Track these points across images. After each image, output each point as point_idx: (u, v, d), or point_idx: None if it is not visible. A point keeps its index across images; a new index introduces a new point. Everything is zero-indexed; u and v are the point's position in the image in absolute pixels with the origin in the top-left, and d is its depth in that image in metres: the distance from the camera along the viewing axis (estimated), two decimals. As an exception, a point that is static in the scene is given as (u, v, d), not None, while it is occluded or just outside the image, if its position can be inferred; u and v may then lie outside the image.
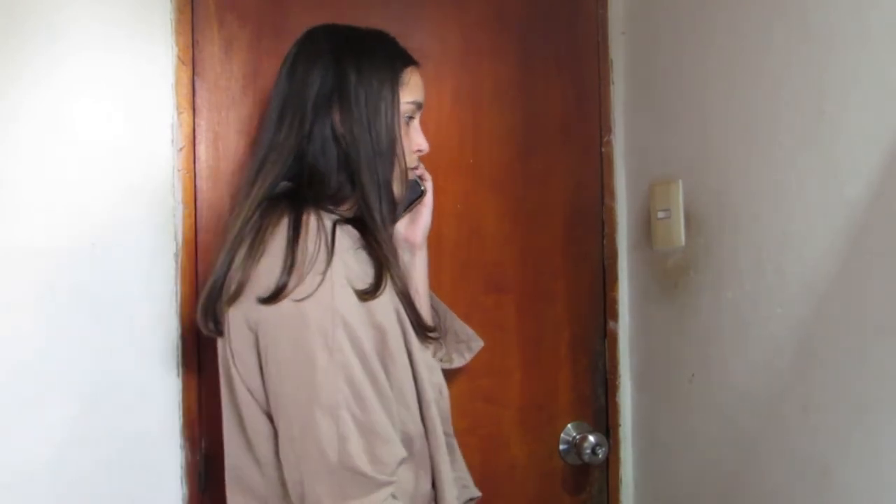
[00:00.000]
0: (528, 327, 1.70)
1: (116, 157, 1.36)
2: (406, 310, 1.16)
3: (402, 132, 1.22)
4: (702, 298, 1.54)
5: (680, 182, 1.60)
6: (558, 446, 1.71)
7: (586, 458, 1.67)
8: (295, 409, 1.05)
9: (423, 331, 1.19)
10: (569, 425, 1.72)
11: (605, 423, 1.75)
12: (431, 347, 1.37)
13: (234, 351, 1.11)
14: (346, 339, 1.05)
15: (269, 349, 1.07)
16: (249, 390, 1.11)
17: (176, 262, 1.41)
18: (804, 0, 1.30)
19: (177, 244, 1.41)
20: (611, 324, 1.76)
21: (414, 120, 1.26)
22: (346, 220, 1.17)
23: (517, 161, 1.70)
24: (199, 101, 1.45)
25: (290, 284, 1.05)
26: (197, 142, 1.45)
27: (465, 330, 1.44)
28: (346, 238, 1.12)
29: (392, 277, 1.14)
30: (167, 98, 1.42)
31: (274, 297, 1.05)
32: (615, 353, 1.76)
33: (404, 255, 1.36)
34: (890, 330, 1.17)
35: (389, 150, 1.19)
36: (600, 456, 1.66)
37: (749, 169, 1.42)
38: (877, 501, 1.19)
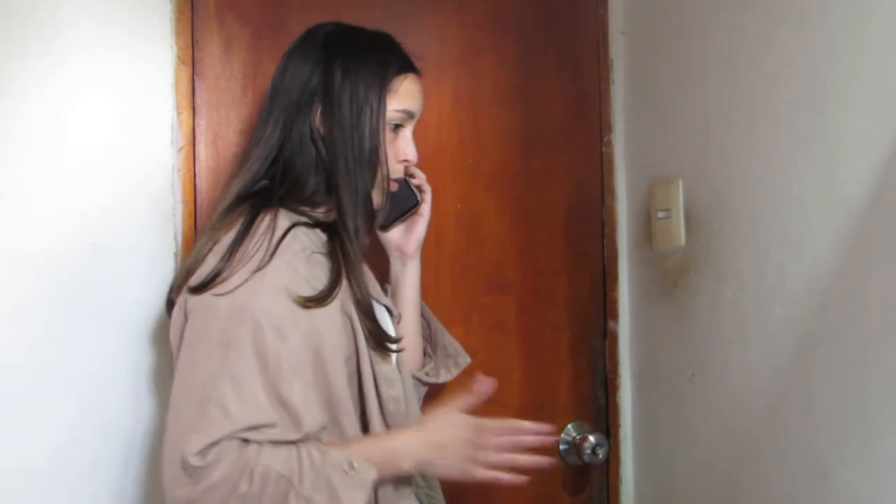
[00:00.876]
0: (528, 327, 1.70)
1: (116, 157, 1.36)
2: (364, 321, 1.13)
3: (388, 140, 1.20)
4: (702, 298, 1.54)
5: (680, 182, 1.60)
6: (558, 446, 1.71)
7: (586, 458, 1.67)
8: (176, 394, 1.05)
9: (383, 342, 1.15)
10: (569, 425, 1.72)
11: (605, 423, 1.75)
12: (417, 361, 1.36)
13: (172, 337, 1.11)
14: (250, 340, 1.02)
15: (185, 338, 1.07)
16: None
17: (176, 262, 1.41)
18: (804, 0, 1.30)
19: (177, 244, 1.41)
20: (611, 324, 1.76)
21: (404, 129, 1.23)
22: (318, 224, 1.15)
23: (517, 161, 1.70)
24: (199, 101, 1.45)
25: (219, 278, 1.05)
26: (197, 142, 1.45)
27: (454, 345, 1.42)
28: (302, 241, 1.11)
29: (351, 286, 1.12)
30: (167, 98, 1.42)
31: (199, 288, 1.06)
32: (615, 353, 1.76)
33: (395, 265, 1.36)
34: (890, 330, 1.17)
35: (371, 156, 1.17)
36: (600, 456, 1.66)
37: (749, 169, 1.42)
38: (877, 502, 1.19)
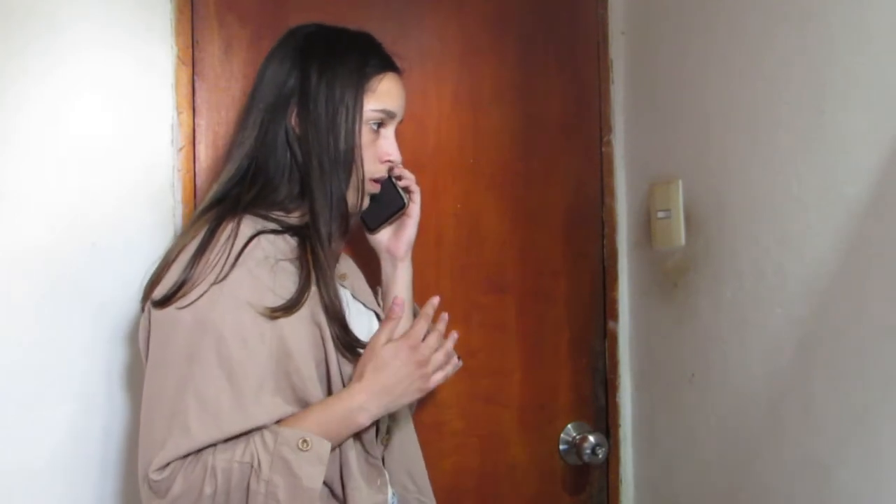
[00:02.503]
0: (528, 327, 1.70)
1: (116, 157, 1.36)
2: (333, 327, 1.12)
3: (367, 140, 1.18)
4: (701, 298, 1.54)
5: (680, 182, 1.60)
6: (558, 446, 1.71)
7: (586, 458, 1.67)
8: (144, 411, 1.05)
9: (354, 348, 1.14)
10: (569, 425, 1.72)
11: (605, 423, 1.75)
12: None
13: (140, 347, 1.11)
14: (213, 352, 1.02)
15: (150, 352, 1.07)
16: None
17: (176, 262, 1.40)
18: (805, 0, 1.30)
19: (177, 244, 1.41)
20: (611, 324, 1.76)
21: (385, 129, 1.22)
22: (288, 229, 1.14)
23: (517, 161, 1.70)
24: (199, 101, 1.45)
25: (181, 292, 1.04)
26: (197, 142, 1.45)
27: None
28: (266, 249, 1.10)
29: (321, 293, 1.11)
30: (167, 98, 1.42)
31: (163, 301, 1.05)
32: (615, 353, 1.76)
33: (386, 267, 1.34)
34: (890, 330, 1.17)
35: (346, 157, 1.16)
36: (600, 456, 1.66)
37: (749, 169, 1.42)
38: (877, 502, 1.19)
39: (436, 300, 1.15)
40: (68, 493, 1.30)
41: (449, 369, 1.14)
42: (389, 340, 1.12)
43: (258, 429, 1.04)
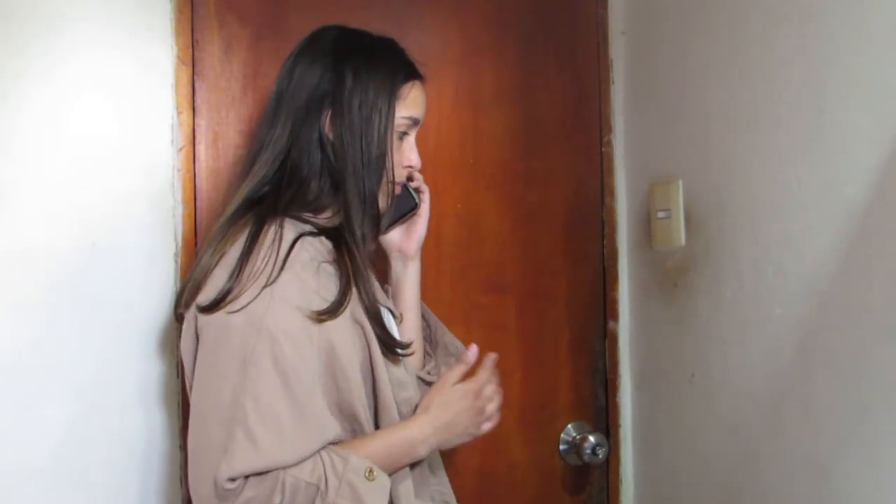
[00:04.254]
0: (528, 327, 1.70)
1: (116, 157, 1.36)
2: (374, 327, 1.13)
3: (394, 146, 1.20)
4: (702, 298, 1.54)
5: (680, 182, 1.60)
6: (558, 446, 1.71)
7: (586, 458, 1.67)
8: (197, 416, 1.06)
9: (394, 348, 1.16)
10: (569, 425, 1.72)
11: (605, 423, 1.75)
12: (418, 361, 1.36)
13: (182, 354, 1.12)
14: (269, 356, 1.03)
15: (199, 357, 1.07)
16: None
17: (176, 262, 1.41)
18: (804, 0, 1.30)
19: (177, 244, 1.41)
20: (611, 324, 1.76)
21: (409, 136, 1.24)
22: (322, 231, 1.15)
23: (517, 161, 1.70)
24: (199, 101, 1.45)
25: (230, 296, 1.05)
26: (197, 142, 1.45)
27: (455, 343, 1.41)
28: (309, 251, 1.10)
29: (360, 294, 1.12)
30: (167, 98, 1.42)
31: (211, 307, 1.05)
32: (615, 353, 1.76)
33: (396, 265, 1.35)
34: (890, 330, 1.17)
35: (378, 161, 1.17)
36: (600, 456, 1.66)
37: (749, 169, 1.42)
38: (877, 502, 1.19)
39: (494, 355, 1.24)
40: (67, 493, 1.30)
41: (496, 421, 1.22)
42: (458, 382, 1.19)
43: (314, 430, 1.05)
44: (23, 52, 1.30)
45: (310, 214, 1.17)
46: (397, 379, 1.16)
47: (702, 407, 1.54)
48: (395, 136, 1.20)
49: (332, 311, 1.08)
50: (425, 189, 1.35)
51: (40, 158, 1.31)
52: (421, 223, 1.35)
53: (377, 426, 1.13)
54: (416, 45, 1.61)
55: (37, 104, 1.31)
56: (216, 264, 1.09)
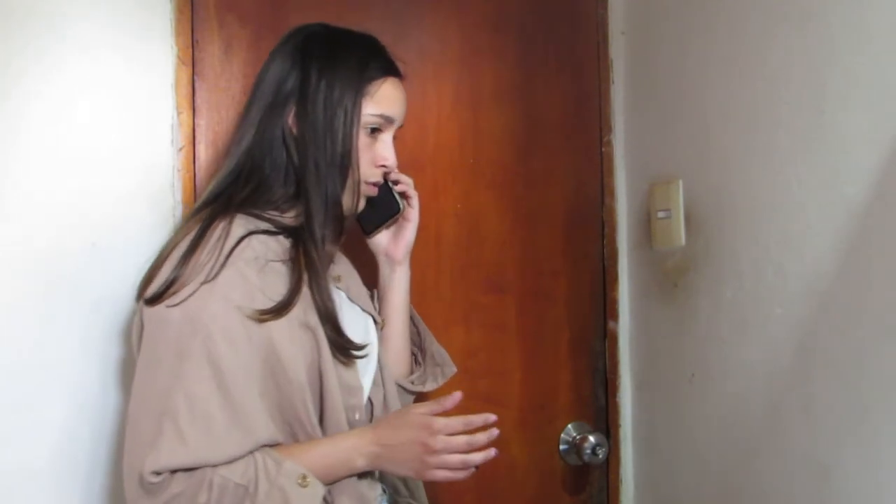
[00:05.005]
0: (528, 327, 1.70)
1: (116, 157, 1.36)
2: (327, 329, 1.11)
3: (364, 144, 1.18)
4: (702, 298, 1.54)
5: (680, 182, 1.60)
6: (558, 446, 1.71)
7: (586, 458, 1.67)
8: (132, 409, 1.05)
9: (347, 350, 1.13)
10: (569, 425, 1.72)
11: (605, 423, 1.75)
12: (405, 368, 1.35)
13: (133, 346, 1.11)
14: (203, 352, 1.02)
15: (141, 349, 1.07)
16: None
17: (176, 262, 1.40)
18: (804, 0, 1.30)
19: (177, 244, 1.41)
20: (611, 324, 1.76)
21: (383, 133, 1.21)
22: (283, 230, 1.14)
23: (517, 161, 1.70)
24: (199, 101, 1.45)
25: (171, 290, 1.04)
26: (197, 142, 1.45)
27: (442, 353, 1.40)
28: (256, 249, 1.09)
29: (313, 295, 1.11)
30: (167, 98, 1.42)
31: (153, 299, 1.05)
32: (615, 353, 1.76)
33: (384, 270, 1.34)
34: (890, 330, 1.17)
35: (343, 159, 1.15)
36: (600, 456, 1.66)
37: (749, 169, 1.42)
38: (877, 502, 1.19)
39: (492, 418, 1.10)
40: (67, 494, 1.30)
41: (459, 476, 1.10)
42: (423, 414, 1.10)
43: (246, 430, 1.04)
44: (23, 53, 1.30)
45: (276, 213, 1.16)
46: (347, 384, 1.14)
47: (702, 407, 1.54)
48: (364, 134, 1.18)
49: (276, 311, 1.07)
50: (414, 194, 1.32)
51: (40, 158, 1.31)
52: (409, 228, 1.32)
53: (324, 432, 1.11)
54: (416, 45, 1.62)
55: (37, 104, 1.31)
56: (165, 259, 1.09)
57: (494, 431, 1.10)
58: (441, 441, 1.07)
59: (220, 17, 1.48)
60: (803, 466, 1.31)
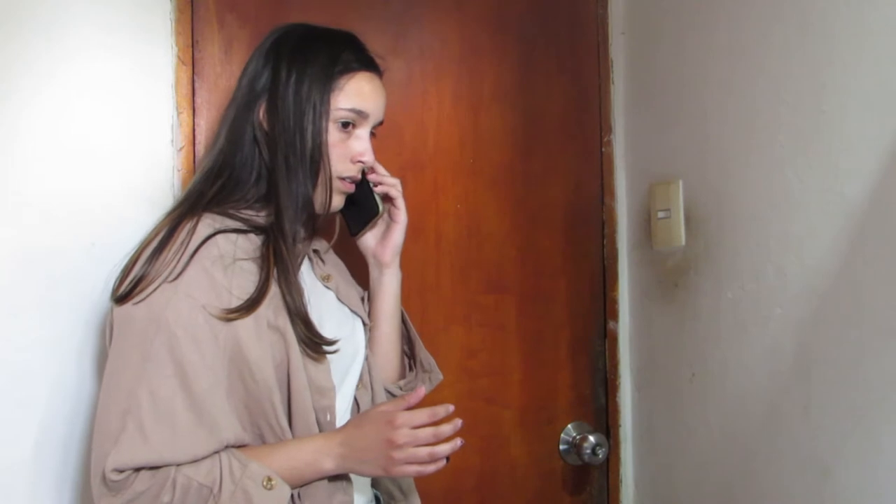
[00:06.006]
0: (528, 327, 1.70)
1: (116, 157, 1.36)
2: (298, 327, 1.10)
3: (335, 139, 1.17)
4: (702, 298, 1.54)
5: (680, 182, 1.60)
6: (558, 446, 1.71)
7: (586, 458, 1.67)
8: (99, 406, 1.05)
9: (319, 346, 1.12)
10: (569, 425, 1.72)
11: (605, 423, 1.75)
12: (394, 373, 1.33)
13: (105, 344, 1.11)
14: (166, 350, 1.02)
15: (111, 347, 1.07)
16: None
17: (176, 262, 1.40)
18: (805, 0, 1.30)
19: (177, 244, 1.41)
20: (611, 324, 1.76)
21: (358, 129, 1.19)
22: (255, 228, 1.13)
23: (517, 161, 1.70)
24: (199, 101, 1.45)
25: (137, 288, 1.04)
26: (197, 142, 1.45)
27: (429, 360, 1.39)
28: (221, 248, 1.08)
29: (283, 293, 1.10)
30: (167, 98, 1.42)
31: (121, 298, 1.05)
32: (615, 353, 1.76)
33: (373, 272, 1.33)
34: (890, 331, 1.17)
35: (313, 155, 1.14)
36: (600, 456, 1.66)
37: (749, 169, 1.42)
38: (877, 502, 1.19)
39: (451, 407, 1.09)
40: (69, 494, 1.30)
41: (428, 469, 1.07)
42: (386, 411, 1.09)
43: (210, 429, 1.03)
44: (24, 53, 1.30)
45: (250, 212, 1.15)
46: (317, 385, 1.13)
47: (702, 407, 1.54)
48: (336, 129, 1.17)
49: (244, 310, 1.06)
50: (397, 195, 1.29)
51: (41, 158, 1.30)
52: (397, 230, 1.30)
53: (294, 434, 1.10)
54: (416, 44, 1.62)
55: (38, 104, 1.31)
56: (137, 258, 1.09)
57: (458, 422, 1.08)
58: (405, 434, 1.05)
59: (220, 17, 1.48)
60: (803, 466, 1.31)
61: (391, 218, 1.31)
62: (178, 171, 1.42)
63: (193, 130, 1.45)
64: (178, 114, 1.43)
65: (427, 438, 1.06)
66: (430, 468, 1.07)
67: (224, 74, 1.48)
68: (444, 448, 1.07)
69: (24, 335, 1.28)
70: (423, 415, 1.07)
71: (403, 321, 1.37)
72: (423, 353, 1.38)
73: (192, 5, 1.45)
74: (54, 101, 1.32)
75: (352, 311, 1.27)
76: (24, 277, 1.28)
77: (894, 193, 1.16)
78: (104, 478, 0.99)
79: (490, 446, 1.66)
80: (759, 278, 1.39)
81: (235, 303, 1.06)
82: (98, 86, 1.35)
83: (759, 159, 1.40)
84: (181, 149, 1.43)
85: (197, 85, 1.45)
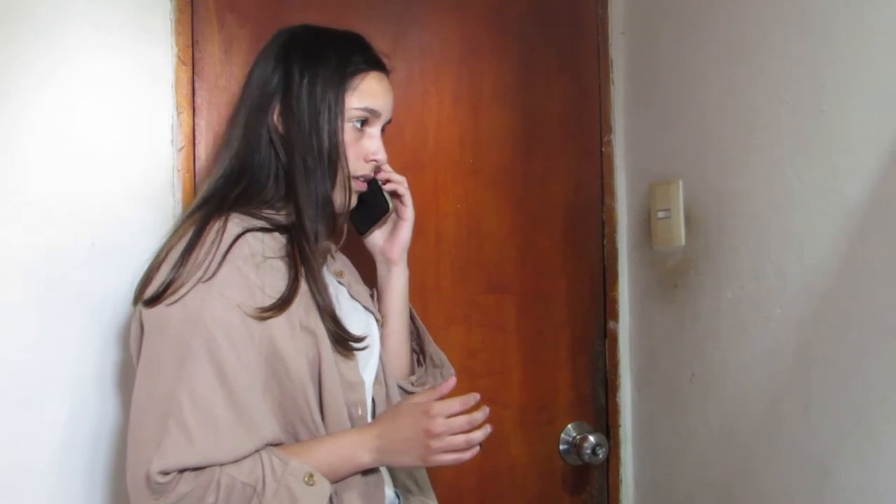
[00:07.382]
0: (528, 327, 1.70)
1: (116, 157, 1.36)
2: (327, 322, 1.11)
3: (351, 138, 1.18)
4: (702, 298, 1.54)
5: (680, 182, 1.60)
6: (558, 446, 1.71)
7: (586, 458, 1.67)
8: (136, 410, 1.05)
9: (347, 342, 1.13)
10: (569, 425, 1.72)
11: (605, 423, 1.75)
12: (405, 368, 1.34)
13: (132, 348, 1.11)
14: (205, 351, 1.02)
15: (143, 350, 1.07)
16: None
17: (176, 262, 1.40)
18: (805, 0, 1.30)
19: (177, 244, 1.41)
20: (611, 324, 1.76)
21: (370, 128, 1.21)
22: (277, 227, 1.14)
23: (517, 161, 1.70)
24: (199, 101, 1.45)
25: (170, 290, 1.04)
26: (197, 142, 1.45)
27: (440, 355, 1.39)
28: (252, 247, 1.09)
29: (311, 290, 1.11)
30: (167, 98, 1.42)
31: (153, 300, 1.05)
32: (615, 353, 1.76)
33: (381, 270, 1.33)
34: (890, 330, 1.17)
35: (330, 154, 1.15)
36: (600, 456, 1.66)
37: (749, 169, 1.42)
38: (877, 502, 1.19)
39: (478, 395, 1.12)
40: (69, 494, 1.30)
41: (466, 456, 1.10)
42: (420, 403, 1.11)
43: (250, 428, 1.04)
44: (24, 53, 1.30)
45: (271, 211, 1.16)
46: (347, 380, 1.14)
47: (702, 407, 1.54)
48: (351, 128, 1.18)
49: (277, 308, 1.07)
50: (405, 193, 1.31)
51: (41, 158, 1.31)
52: (405, 228, 1.32)
53: (326, 429, 1.11)
54: (416, 44, 1.62)
55: (38, 105, 1.31)
56: (162, 261, 1.09)
57: (486, 409, 1.11)
58: (441, 423, 1.07)
59: (220, 17, 1.48)
60: (803, 466, 1.31)
61: (399, 215, 1.32)
62: (178, 170, 1.42)
63: (193, 130, 1.45)
64: (178, 114, 1.43)
65: (462, 426, 1.08)
66: (467, 455, 1.10)
67: (224, 74, 1.48)
68: (479, 434, 1.09)
69: (24, 335, 1.28)
70: (455, 403, 1.09)
71: (412, 317, 1.38)
72: (432, 348, 1.39)
73: (192, 5, 1.45)
74: (54, 101, 1.32)
75: (364, 307, 1.28)
76: (24, 277, 1.28)
77: (894, 193, 1.16)
78: (148, 481, 0.99)
79: (490, 446, 1.64)
80: (759, 278, 1.40)
81: (268, 301, 1.07)
82: (98, 86, 1.35)
83: (759, 159, 1.40)
84: (181, 149, 1.43)
85: (197, 85, 1.45)
